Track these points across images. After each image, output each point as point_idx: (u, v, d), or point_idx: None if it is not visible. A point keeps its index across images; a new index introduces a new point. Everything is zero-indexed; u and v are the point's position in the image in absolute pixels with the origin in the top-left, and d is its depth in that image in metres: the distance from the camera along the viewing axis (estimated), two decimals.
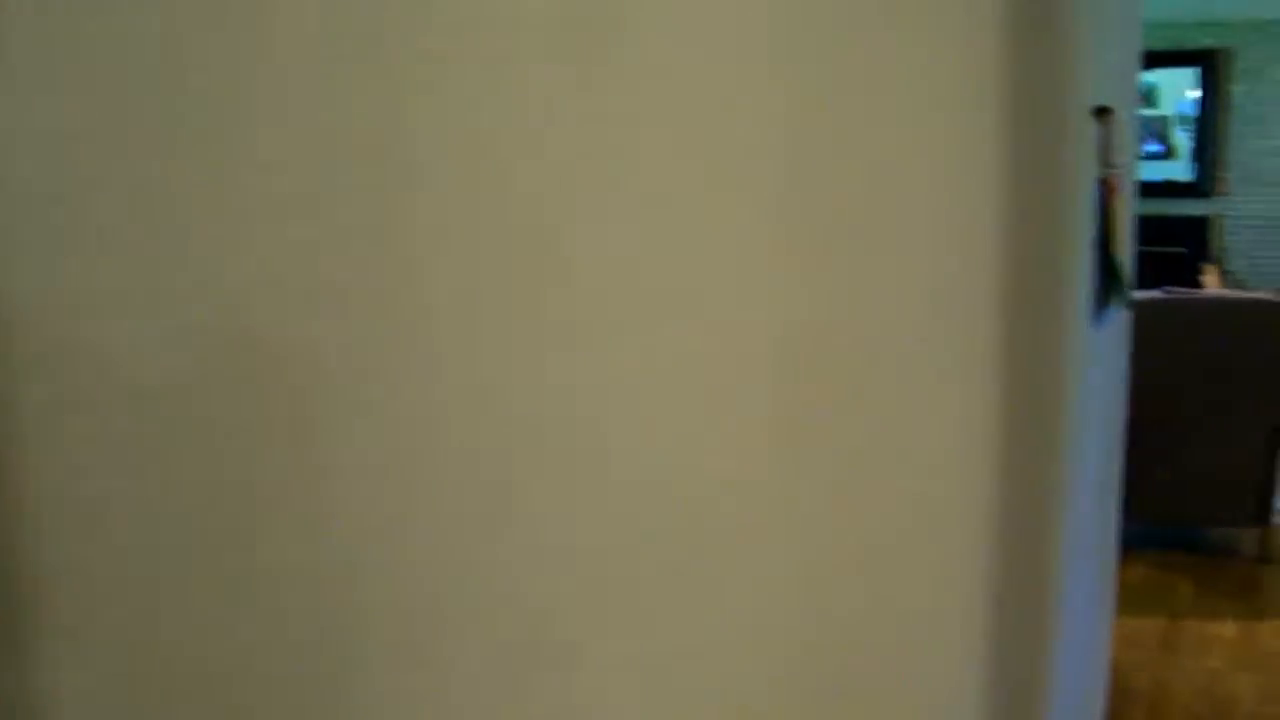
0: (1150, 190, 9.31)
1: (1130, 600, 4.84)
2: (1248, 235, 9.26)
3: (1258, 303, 4.98)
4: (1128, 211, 3.29)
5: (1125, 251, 3.09)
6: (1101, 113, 2.59)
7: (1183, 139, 9.42)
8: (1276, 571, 5.21)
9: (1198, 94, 9.25)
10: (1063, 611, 2.52)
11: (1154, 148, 9.54)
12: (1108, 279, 2.69)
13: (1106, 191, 2.65)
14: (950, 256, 1.50)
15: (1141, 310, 4.98)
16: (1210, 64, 9.14)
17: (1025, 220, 1.91)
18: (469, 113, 0.76)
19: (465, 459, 0.79)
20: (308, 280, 0.71)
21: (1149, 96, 9.48)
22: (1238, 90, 9.14)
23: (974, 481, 1.67)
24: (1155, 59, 9.19)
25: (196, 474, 0.62)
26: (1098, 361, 2.79)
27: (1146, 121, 9.51)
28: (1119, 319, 3.02)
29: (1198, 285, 8.59)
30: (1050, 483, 2.27)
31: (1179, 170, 9.41)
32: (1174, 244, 9.26)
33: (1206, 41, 9.13)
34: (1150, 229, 8.92)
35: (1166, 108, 9.45)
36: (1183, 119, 9.41)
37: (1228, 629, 4.58)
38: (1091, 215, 2.61)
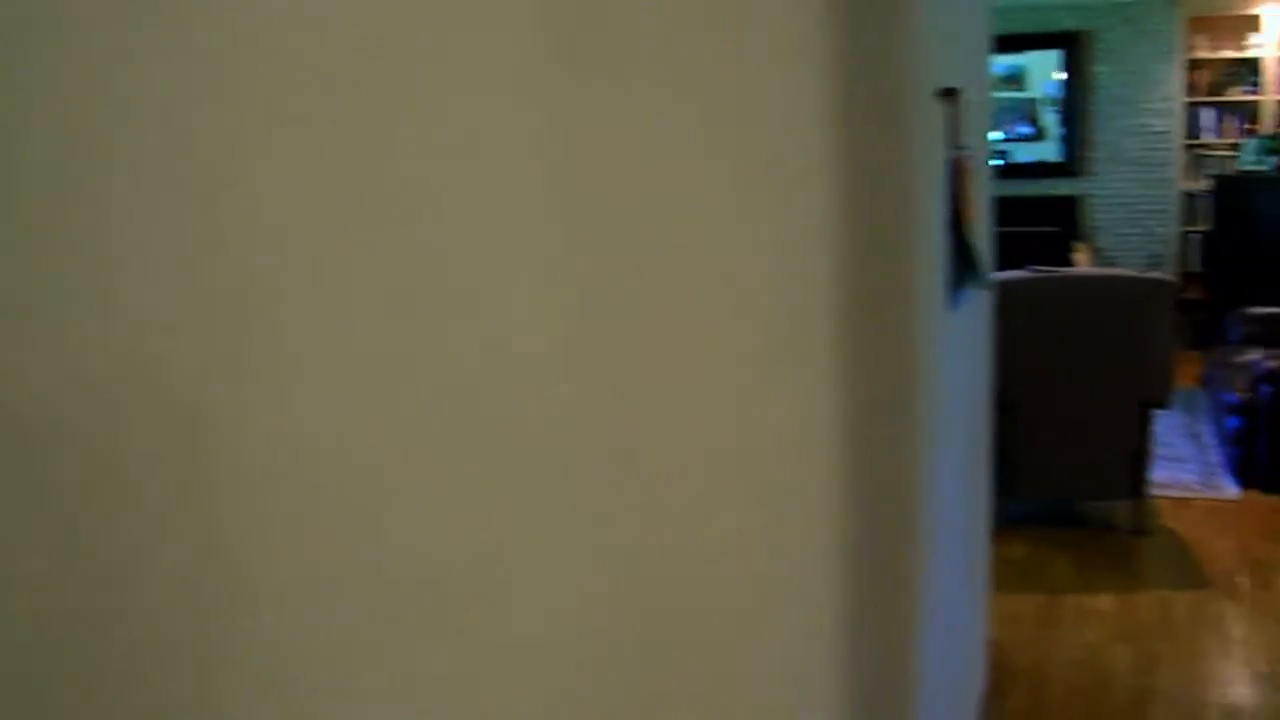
0: (1023, 171, 9.49)
1: (1011, 578, 4.89)
2: (1115, 213, 9.45)
3: (1121, 279, 5.06)
4: (985, 192, 3.31)
5: (982, 232, 3.11)
6: (948, 94, 2.60)
7: (1052, 120, 9.58)
8: (1151, 543, 5.30)
9: (1063, 76, 9.42)
10: (928, 594, 2.51)
11: (1025, 129, 9.69)
12: (962, 260, 2.70)
13: (957, 173, 2.65)
14: (781, 242, 1.47)
15: (1009, 290, 5.03)
16: (1074, 46, 9.30)
17: (867, 203, 1.89)
18: (294, 124, 0.70)
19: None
20: (195, 306, 0.65)
21: (1019, 79, 9.63)
22: (1101, 71, 9.32)
23: (819, 468, 1.65)
24: (1022, 42, 9.33)
25: (75, 508, 0.56)
26: (957, 343, 2.80)
27: (1017, 104, 9.66)
28: (978, 300, 3.03)
29: (1070, 263, 8.73)
30: (906, 464, 2.26)
31: (1049, 151, 9.57)
32: (1047, 223, 9.41)
33: (1069, 24, 9.28)
34: (1024, 209, 9.07)
35: (1035, 90, 9.60)
36: (1052, 101, 9.57)
37: (1105, 602, 4.65)
38: (943, 197, 2.62)
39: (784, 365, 1.46)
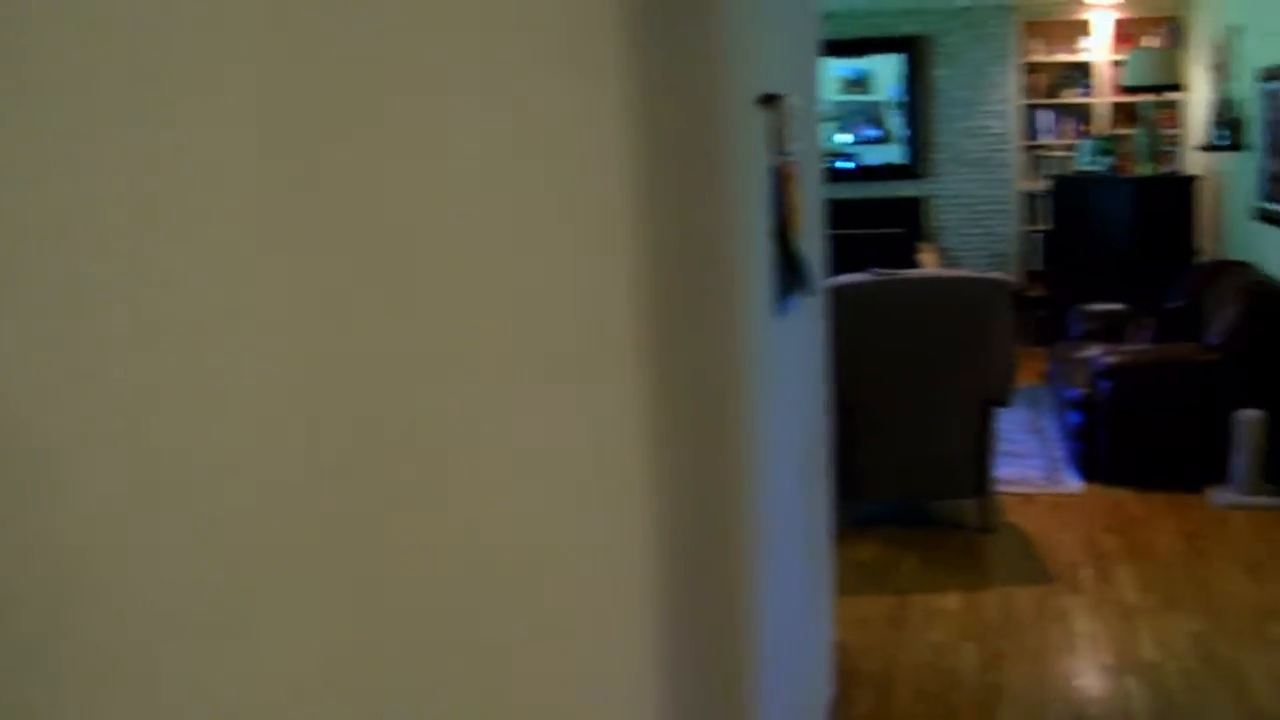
0: (872, 173, 9.61)
1: (859, 580, 4.91)
2: (958, 213, 9.61)
3: (960, 280, 5.12)
4: (815, 198, 3.30)
5: (812, 239, 3.09)
6: (769, 101, 2.57)
7: (898, 123, 9.71)
8: (997, 540, 5.37)
9: (906, 79, 9.55)
10: (762, 601, 2.48)
11: (872, 132, 9.81)
12: (788, 268, 2.68)
13: (781, 180, 2.62)
14: (568, 251, 1.41)
15: (850, 293, 5.05)
16: (914, 50, 9.45)
17: (675, 211, 1.84)
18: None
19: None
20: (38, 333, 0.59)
21: (864, 83, 9.75)
22: (941, 75, 9.48)
23: (620, 481, 1.59)
24: (865, 46, 9.46)
25: None
26: (785, 349, 2.78)
27: (864, 107, 9.78)
28: (808, 306, 3.01)
29: (916, 264, 8.85)
30: (731, 472, 2.22)
31: (895, 153, 9.70)
32: (893, 225, 9.54)
33: (909, 28, 9.43)
34: (872, 211, 9.19)
35: (881, 93, 9.72)
36: (897, 104, 9.70)
37: (951, 601, 4.69)
38: (768, 205, 2.59)
39: (572, 381, 1.40)
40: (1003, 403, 5.27)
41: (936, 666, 4.16)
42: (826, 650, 3.84)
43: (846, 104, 9.79)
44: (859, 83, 9.78)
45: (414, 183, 1.03)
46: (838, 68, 9.66)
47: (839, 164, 9.62)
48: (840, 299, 5.01)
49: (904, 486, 5.41)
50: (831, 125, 9.73)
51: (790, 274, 2.69)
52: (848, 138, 9.79)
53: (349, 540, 0.96)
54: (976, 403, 5.23)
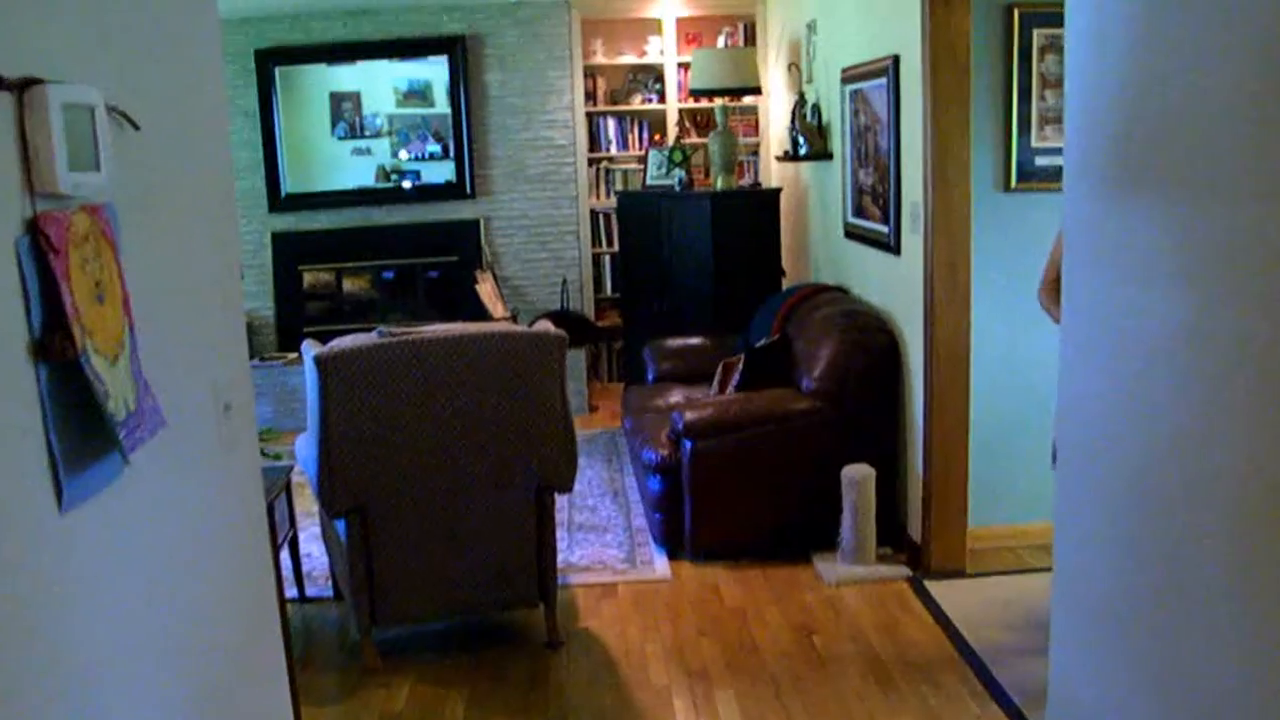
0: (427, 194, 8.33)
1: None
2: (519, 236, 8.45)
3: (497, 336, 3.91)
4: (221, 255, 2.03)
5: (187, 328, 1.83)
6: None
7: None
8: (566, 660, 4.20)
9: (453, 85, 8.31)
10: None
11: (434, 148, 8.53)
12: (82, 409, 1.40)
13: (47, 250, 1.33)
14: None
15: (350, 365, 3.76)
16: (461, 52, 8.20)
17: None
18: None
19: None
20: None
21: (425, 94, 8.48)
22: (493, 79, 8.30)
23: None
24: (407, 48, 8.19)
25: None
26: (108, 549, 1.50)
27: (426, 120, 8.50)
28: (175, 450, 1.73)
29: (475, 296, 7.67)
30: None
31: (453, 170, 8.43)
32: (448, 252, 8.32)
33: (454, 27, 8.21)
34: (426, 238, 7.85)
35: (445, 105, 8.41)
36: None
37: None
38: (26, 300, 1.30)
39: None
40: (563, 488, 4.13)
41: None
42: None
43: (407, 117, 8.48)
44: (418, 94, 8.50)
45: None
46: (396, 78, 8.35)
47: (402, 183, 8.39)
48: (336, 372, 3.71)
49: (443, 603, 4.16)
50: (389, 141, 8.42)
51: (90, 418, 1.40)
52: (405, 155, 8.48)
53: None
54: (530, 491, 4.07)
